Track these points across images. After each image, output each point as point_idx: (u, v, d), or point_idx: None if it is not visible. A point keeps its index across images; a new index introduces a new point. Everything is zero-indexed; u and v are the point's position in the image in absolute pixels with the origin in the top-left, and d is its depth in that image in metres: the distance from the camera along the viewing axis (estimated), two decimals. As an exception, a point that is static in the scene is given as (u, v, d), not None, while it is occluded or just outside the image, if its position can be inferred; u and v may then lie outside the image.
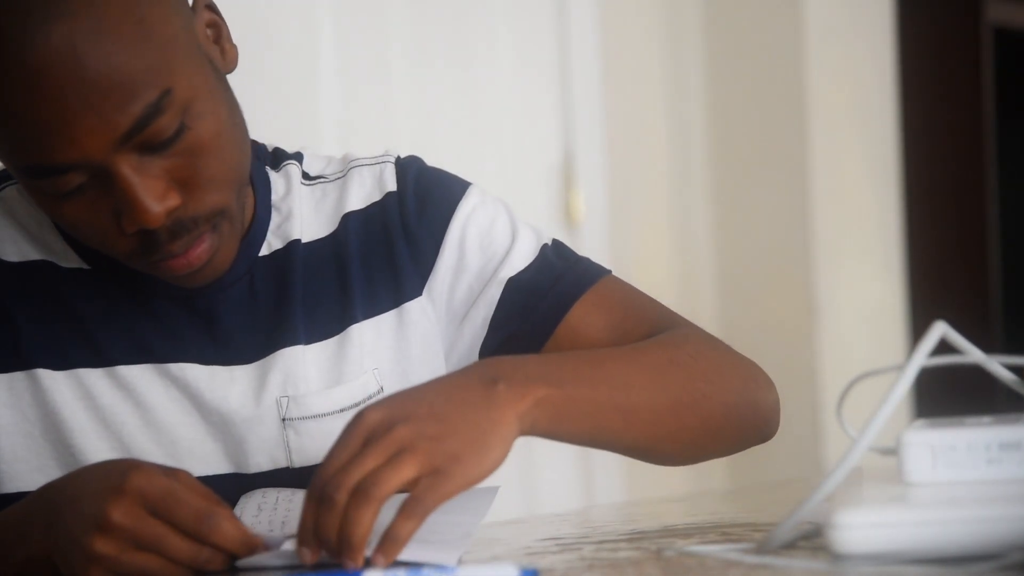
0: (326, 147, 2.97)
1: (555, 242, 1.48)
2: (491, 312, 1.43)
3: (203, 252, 1.30)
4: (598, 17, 3.56)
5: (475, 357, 1.45)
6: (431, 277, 1.44)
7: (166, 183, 1.26)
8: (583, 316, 1.43)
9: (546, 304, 1.43)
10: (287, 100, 2.92)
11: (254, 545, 1.15)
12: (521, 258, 1.44)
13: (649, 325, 1.43)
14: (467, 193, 1.47)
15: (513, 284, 1.43)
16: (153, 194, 1.25)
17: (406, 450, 1.11)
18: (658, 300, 1.48)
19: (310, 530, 1.12)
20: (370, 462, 1.10)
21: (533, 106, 3.45)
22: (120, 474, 1.15)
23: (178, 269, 1.30)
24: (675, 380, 1.32)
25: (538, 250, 1.45)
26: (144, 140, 1.24)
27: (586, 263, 1.47)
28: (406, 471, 1.10)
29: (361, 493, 1.09)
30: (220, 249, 1.32)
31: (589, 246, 3.50)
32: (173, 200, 1.26)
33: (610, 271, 1.48)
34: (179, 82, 1.25)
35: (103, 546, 1.13)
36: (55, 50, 1.20)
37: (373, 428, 1.12)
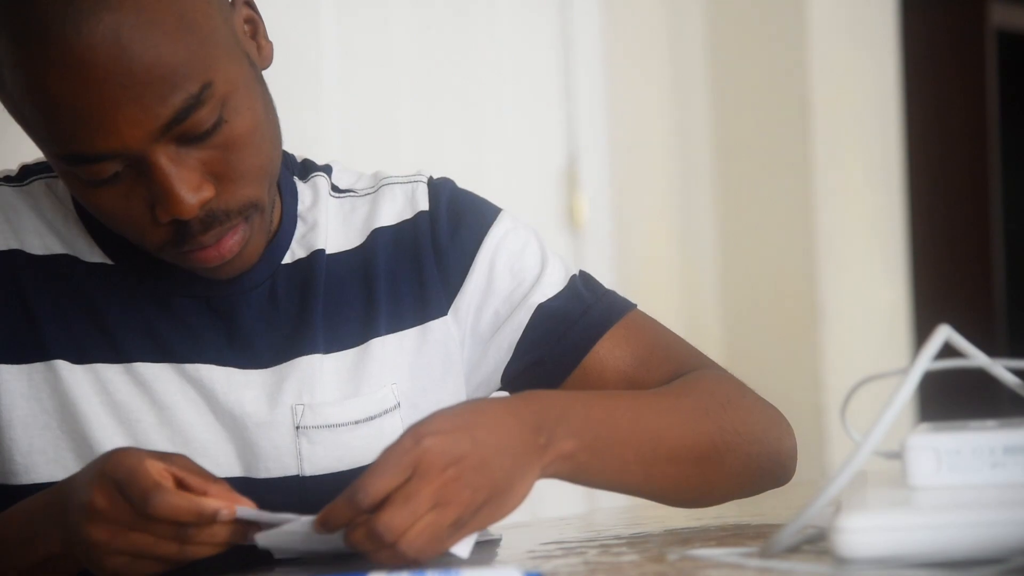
0: (329, 153, 2.97)
1: (583, 273, 1.49)
2: (518, 337, 1.44)
3: (235, 244, 1.32)
4: (601, 22, 3.56)
5: (497, 380, 1.46)
6: (458, 297, 1.44)
7: (201, 175, 1.27)
8: (610, 349, 1.44)
9: (575, 334, 1.44)
10: (290, 106, 2.92)
11: (209, 513, 1.14)
12: (551, 286, 1.45)
13: (674, 363, 1.45)
14: (499, 218, 1.48)
15: (542, 311, 1.44)
16: (188, 185, 1.26)
17: (448, 503, 1.14)
18: (682, 338, 1.50)
19: (336, 525, 1.14)
20: (423, 505, 1.13)
21: (537, 110, 3.45)
22: (103, 460, 1.18)
23: (209, 260, 1.31)
24: (705, 432, 1.35)
25: (567, 280, 1.47)
26: (183, 131, 1.25)
27: (613, 296, 1.48)
28: (443, 527, 1.14)
29: (400, 552, 1.13)
30: (250, 242, 1.34)
31: (592, 250, 3.50)
32: (207, 192, 1.27)
33: (636, 305, 1.49)
34: (219, 75, 1.27)
35: (96, 533, 1.16)
36: (100, 40, 1.21)
37: (428, 460, 1.14)
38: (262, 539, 1.17)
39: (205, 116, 1.26)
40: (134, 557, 1.17)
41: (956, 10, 4.31)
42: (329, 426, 1.38)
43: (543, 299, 1.44)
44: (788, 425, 1.44)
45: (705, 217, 3.79)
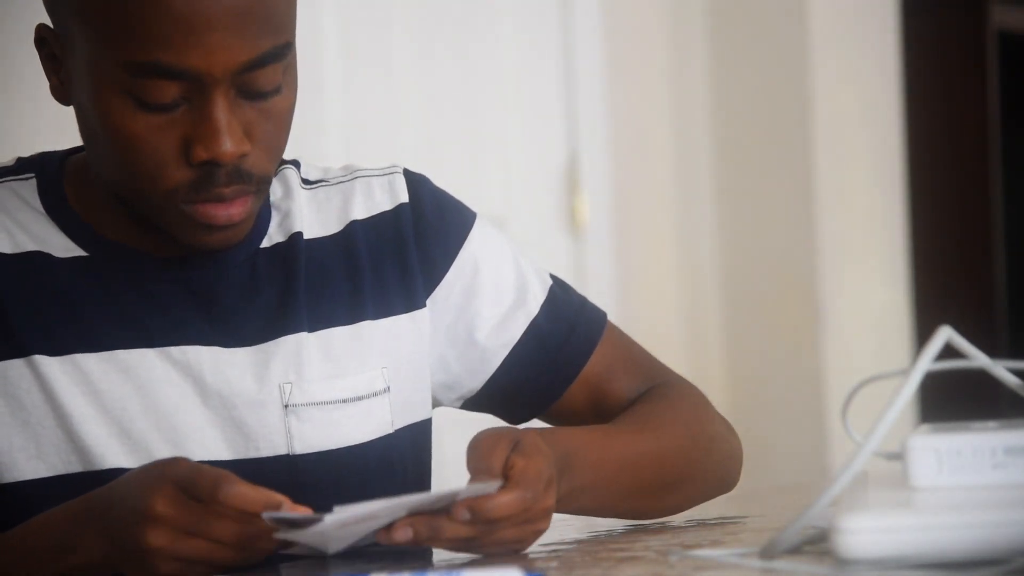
0: (331, 152, 2.98)
1: (555, 279, 1.52)
2: (507, 351, 1.47)
3: (244, 210, 1.34)
4: (602, 22, 3.56)
5: (474, 388, 1.48)
6: (436, 291, 1.46)
7: (243, 131, 1.31)
8: (594, 364, 1.49)
9: (566, 353, 1.48)
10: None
11: (276, 502, 1.17)
12: (535, 298, 1.48)
13: (641, 375, 1.51)
14: (478, 220, 1.50)
15: (533, 329, 1.47)
16: (233, 133, 1.30)
17: (548, 513, 1.25)
18: (643, 347, 1.56)
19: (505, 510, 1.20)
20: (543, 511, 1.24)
21: (537, 111, 3.45)
22: (158, 467, 1.20)
23: (217, 217, 1.32)
24: (687, 459, 1.44)
25: (547, 290, 1.50)
26: (252, 81, 1.30)
27: (589, 307, 1.52)
28: (540, 531, 1.25)
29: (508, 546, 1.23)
30: (251, 216, 1.36)
31: (593, 251, 3.50)
32: (245, 146, 1.31)
33: (606, 314, 1.53)
34: (293, 44, 1.32)
35: (155, 538, 1.17)
36: None
37: (552, 477, 1.25)
38: (288, 537, 1.18)
39: (274, 74, 1.30)
40: (189, 563, 1.18)
41: (957, 11, 4.31)
42: (317, 404, 1.39)
43: (533, 314, 1.47)
44: (736, 435, 1.52)
45: (706, 218, 3.79)
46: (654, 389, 1.49)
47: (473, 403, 1.50)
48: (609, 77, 3.58)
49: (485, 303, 1.46)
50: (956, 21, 4.31)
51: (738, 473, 1.51)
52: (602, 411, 1.48)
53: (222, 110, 1.29)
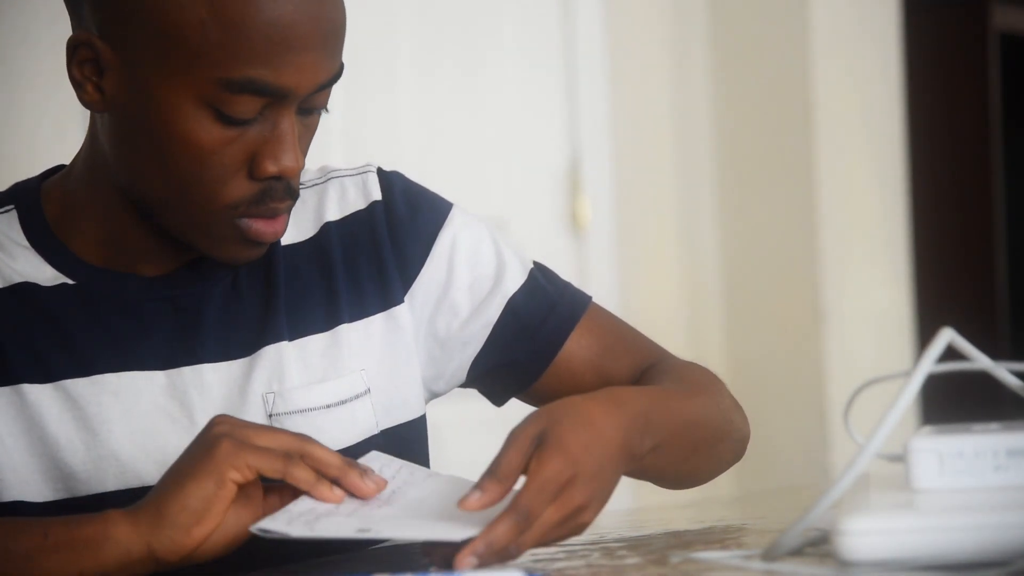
0: (333, 156, 2.98)
1: (538, 264, 1.52)
2: (487, 333, 1.47)
3: (285, 225, 1.37)
4: (605, 24, 3.56)
5: (462, 376, 1.48)
6: (414, 286, 1.46)
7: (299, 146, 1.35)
8: (579, 342, 1.48)
9: (546, 331, 1.47)
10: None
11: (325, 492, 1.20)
12: (513, 280, 1.48)
13: (637, 352, 1.50)
14: (453, 210, 1.50)
15: (511, 308, 1.47)
16: (296, 148, 1.33)
17: (575, 489, 1.18)
18: (634, 327, 1.55)
19: (501, 543, 1.15)
20: (555, 488, 1.18)
21: (539, 112, 3.45)
22: (209, 430, 1.22)
23: (266, 234, 1.35)
24: (716, 421, 1.43)
25: (527, 273, 1.49)
26: (315, 98, 1.33)
27: (572, 289, 1.52)
28: (567, 513, 1.19)
29: (527, 539, 1.17)
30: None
31: (595, 252, 3.50)
32: (303, 161, 1.35)
33: (592, 297, 1.52)
34: None
35: (224, 428, 1.21)
36: None
37: (565, 475, 1.18)
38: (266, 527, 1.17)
39: (330, 93, 1.34)
40: (254, 449, 1.20)
41: (959, 12, 4.31)
42: (301, 411, 1.39)
43: (510, 294, 1.47)
44: (743, 410, 1.51)
45: (707, 219, 3.79)
46: (659, 363, 1.47)
47: (463, 387, 1.51)
48: (611, 79, 3.58)
49: (462, 292, 1.46)
50: (956, 21, 4.31)
51: (742, 451, 1.50)
52: (591, 391, 1.46)
53: (293, 125, 1.32)
